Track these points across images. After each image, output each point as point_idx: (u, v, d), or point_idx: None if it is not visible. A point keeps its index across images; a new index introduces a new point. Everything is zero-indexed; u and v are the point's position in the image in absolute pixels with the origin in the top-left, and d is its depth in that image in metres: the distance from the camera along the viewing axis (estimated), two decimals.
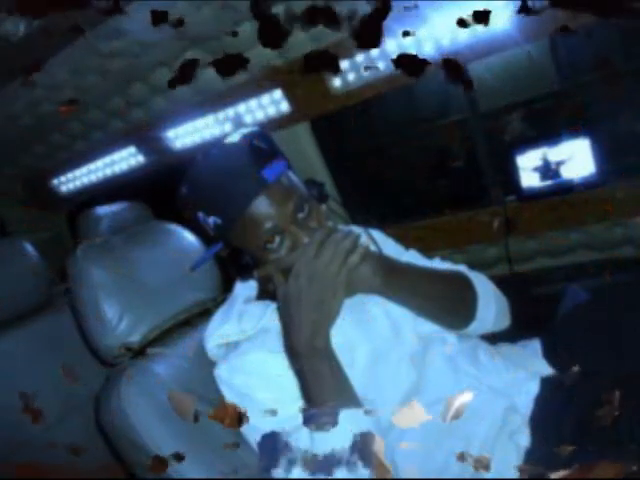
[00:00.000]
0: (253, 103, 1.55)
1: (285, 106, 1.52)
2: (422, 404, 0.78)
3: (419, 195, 3.30)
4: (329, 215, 0.82)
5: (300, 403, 0.73)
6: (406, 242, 1.01)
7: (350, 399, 0.70)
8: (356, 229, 0.88)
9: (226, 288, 1.01)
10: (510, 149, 1.55)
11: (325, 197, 0.82)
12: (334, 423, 0.67)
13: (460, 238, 1.64)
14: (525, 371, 0.85)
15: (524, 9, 0.93)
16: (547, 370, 0.86)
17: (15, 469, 1.24)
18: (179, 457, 0.74)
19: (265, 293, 0.85)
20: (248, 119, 1.60)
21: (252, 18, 1.23)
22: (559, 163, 1.47)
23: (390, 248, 0.95)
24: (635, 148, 1.64)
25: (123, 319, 0.89)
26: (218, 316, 0.86)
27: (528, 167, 1.51)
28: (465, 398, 0.78)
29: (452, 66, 1.00)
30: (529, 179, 1.51)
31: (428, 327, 0.84)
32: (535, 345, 0.94)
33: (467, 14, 0.99)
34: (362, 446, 0.67)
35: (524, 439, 0.77)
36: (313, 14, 0.96)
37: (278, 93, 1.49)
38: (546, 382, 0.84)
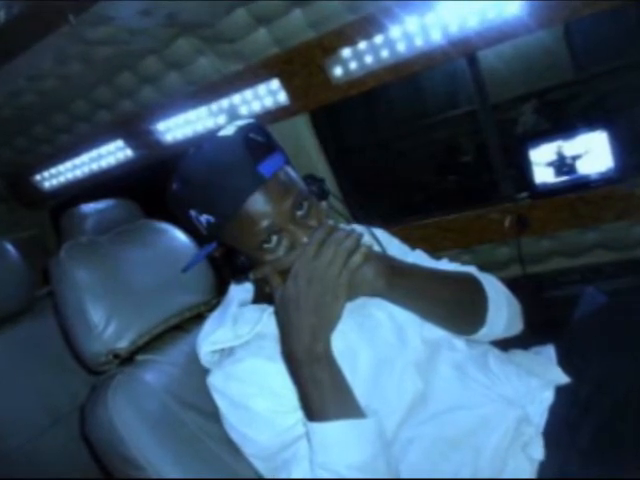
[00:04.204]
0: (249, 94, 1.55)
1: (283, 97, 1.52)
2: (429, 414, 0.78)
3: (425, 192, 3.31)
4: (329, 213, 0.82)
5: (299, 413, 0.73)
6: (411, 242, 1.01)
7: (352, 408, 0.70)
8: (358, 228, 0.88)
9: (220, 291, 1.01)
10: (522, 142, 1.55)
11: (325, 194, 0.82)
12: (335, 434, 0.68)
13: (469, 237, 1.64)
14: (538, 379, 0.85)
15: None
16: (562, 378, 0.86)
17: None
18: None
19: (261, 296, 0.85)
20: (243, 111, 1.60)
21: (246, 3, 1.23)
22: (575, 157, 1.47)
23: (395, 248, 0.95)
24: None
25: (110, 324, 0.89)
26: (211, 321, 0.86)
27: (542, 162, 1.51)
28: (474, 408, 0.79)
29: None
30: (543, 174, 1.51)
31: (435, 332, 0.84)
32: (549, 351, 0.94)
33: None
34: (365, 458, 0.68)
35: (537, 451, 0.77)
36: None
37: (275, 83, 1.49)
38: (561, 391, 0.84)
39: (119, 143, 1.88)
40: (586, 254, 1.58)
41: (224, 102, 1.60)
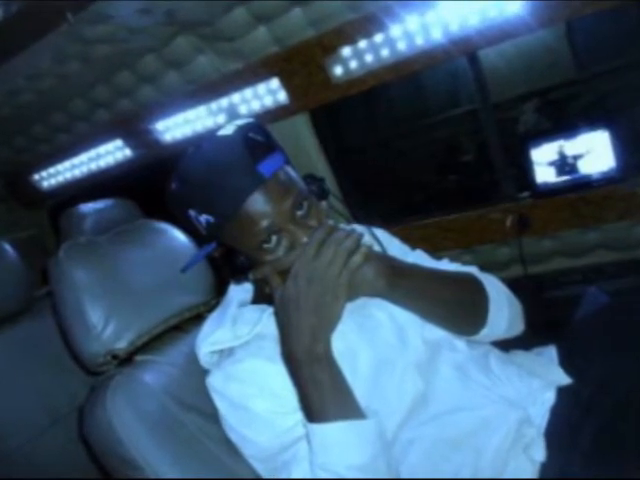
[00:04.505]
0: (248, 93, 1.55)
1: (283, 96, 1.52)
2: (429, 415, 0.78)
3: (426, 191, 3.31)
4: (329, 213, 0.82)
5: (299, 414, 0.73)
6: (412, 242, 1.01)
7: (352, 409, 0.70)
8: (359, 228, 0.88)
9: (219, 291, 1.01)
10: (524, 142, 1.55)
11: (325, 193, 0.82)
12: (335, 435, 0.68)
13: (470, 237, 1.64)
14: (540, 380, 0.85)
15: None
16: (564, 379, 0.86)
17: None
18: None
19: (261, 296, 0.85)
20: (243, 110, 1.60)
21: (246, 1, 1.23)
22: (576, 157, 1.47)
23: (395, 248, 0.95)
24: None
25: (109, 324, 0.89)
26: (211, 321, 0.86)
27: (543, 161, 1.51)
28: (475, 409, 0.79)
29: None
30: (544, 174, 1.51)
31: (436, 333, 0.84)
32: (551, 352, 0.94)
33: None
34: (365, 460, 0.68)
35: (539, 453, 0.77)
36: None
37: (275, 82, 1.49)
38: (563, 392, 0.84)
39: (118, 142, 1.88)
40: (588, 254, 1.58)
41: (223, 101, 1.59)
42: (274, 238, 0.72)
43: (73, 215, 1.24)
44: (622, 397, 0.77)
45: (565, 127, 1.53)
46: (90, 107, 1.68)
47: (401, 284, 0.75)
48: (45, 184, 2.22)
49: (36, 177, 2.19)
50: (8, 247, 1.37)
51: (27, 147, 1.96)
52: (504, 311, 0.85)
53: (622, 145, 1.43)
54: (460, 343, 0.86)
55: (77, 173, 2.12)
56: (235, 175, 0.69)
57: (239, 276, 0.78)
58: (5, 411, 1.28)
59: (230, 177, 0.69)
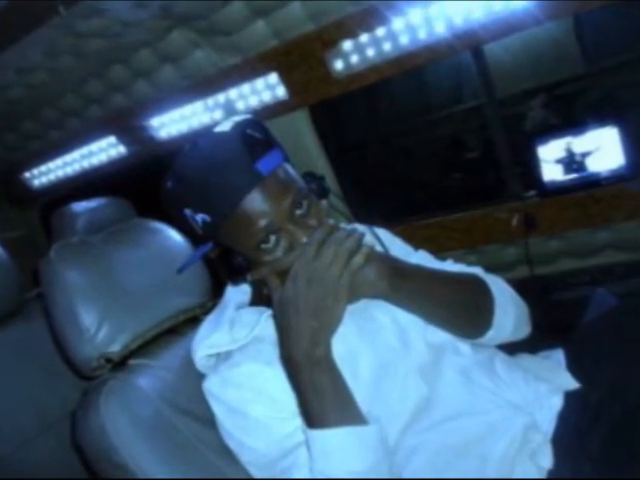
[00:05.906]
0: (246, 88, 1.55)
1: (281, 91, 1.52)
2: (433, 420, 0.78)
3: (429, 190, 3.31)
4: (330, 212, 0.82)
5: (298, 419, 0.73)
6: (415, 242, 1.01)
7: (353, 415, 0.70)
8: (360, 227, 0.88)
9: (216, 293, 1.01)
10: (530, 139, 1.55)
11: (325, 192, 0.82)
12: (335, 442, 0.68)
13: (475, 237, 1.64)
14: (547, 384, 0.85)
15: None
16: (571, 383, 0.86)
17: None
18: None
19: (259, 298, 0.85)
20: (240, 106, 1.60)
21: None
22: (585, 154, 1.47)
23: (397, 248, 0.95)
24: None
25: (102, 327, 0.89)
26: (207, 324, 0.86)
27: (550, 159, 1.51)
28: (480, 414, 0.79)
29: None
30: (551, 172, 1.51)
31: (439, 336, 0.84)
32: (558, 356, 0.94)
33: None
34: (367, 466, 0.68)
35: (546, 459, 0.77)
36: None
37: (274, 77, 1.49)
38: (570, 396, 0.84)
39: (111, 139, 1.88)
40: (596, 254, 1.58)
41: (220, 97, 1.60)
42: (273, 238, 0.72)
43: (65, 214, 1.24)
44: (632, 401, 0.77)
45: (573, 123, 1.53)
46: (83, 103, 1.68)
47: (403, 285, 0.75)
48: (36, 182, 2.22)
49: (27, 175, 2.19)
50: None
51: (17, 144, 1.97)
52: (510, 313, 0.85)
53: (632, 142, 1.43)
54: (464, 346, 0.86)
55: (69, 171, 2.12)
56: (232, 173, 0.69)
57: (236, 277, 0.78)
58: None
59: (227, 175, 0.69)
